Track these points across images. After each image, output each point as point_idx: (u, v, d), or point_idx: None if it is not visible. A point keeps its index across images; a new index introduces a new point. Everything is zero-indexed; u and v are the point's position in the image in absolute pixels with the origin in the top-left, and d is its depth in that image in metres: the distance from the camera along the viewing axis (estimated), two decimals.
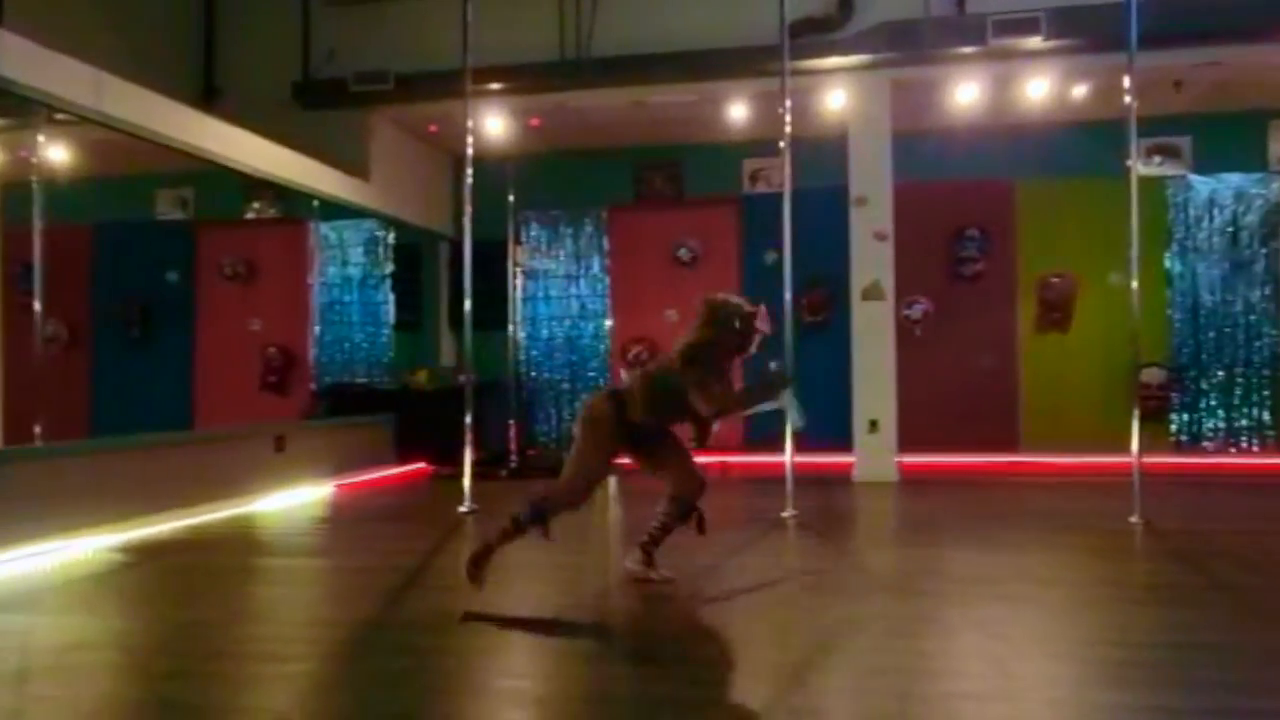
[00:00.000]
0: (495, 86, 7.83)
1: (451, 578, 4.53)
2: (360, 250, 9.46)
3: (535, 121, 8.44)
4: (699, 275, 9.46)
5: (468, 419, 6.36)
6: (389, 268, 9.38)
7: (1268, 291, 8.61)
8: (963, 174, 8.83)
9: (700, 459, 8.86)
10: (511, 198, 8.88)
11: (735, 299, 4.14)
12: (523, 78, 7.89)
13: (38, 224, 6.44)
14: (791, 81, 7.07)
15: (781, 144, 6.12)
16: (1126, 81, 5.71)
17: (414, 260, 9.70)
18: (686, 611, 3.83)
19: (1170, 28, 6.68)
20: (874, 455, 7.61)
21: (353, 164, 8.29)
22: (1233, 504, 6.64)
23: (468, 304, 6.44)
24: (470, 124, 6.42)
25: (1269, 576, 4.31)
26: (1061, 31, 6.96)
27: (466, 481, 6.28)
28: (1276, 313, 8.59)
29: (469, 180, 6.40)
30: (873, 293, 7.67)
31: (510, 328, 9.17)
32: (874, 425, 7.63)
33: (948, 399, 8.81)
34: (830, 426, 7.90)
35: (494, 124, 8.30)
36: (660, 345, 9.57)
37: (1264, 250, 8.62)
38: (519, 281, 9.67)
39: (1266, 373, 8.62)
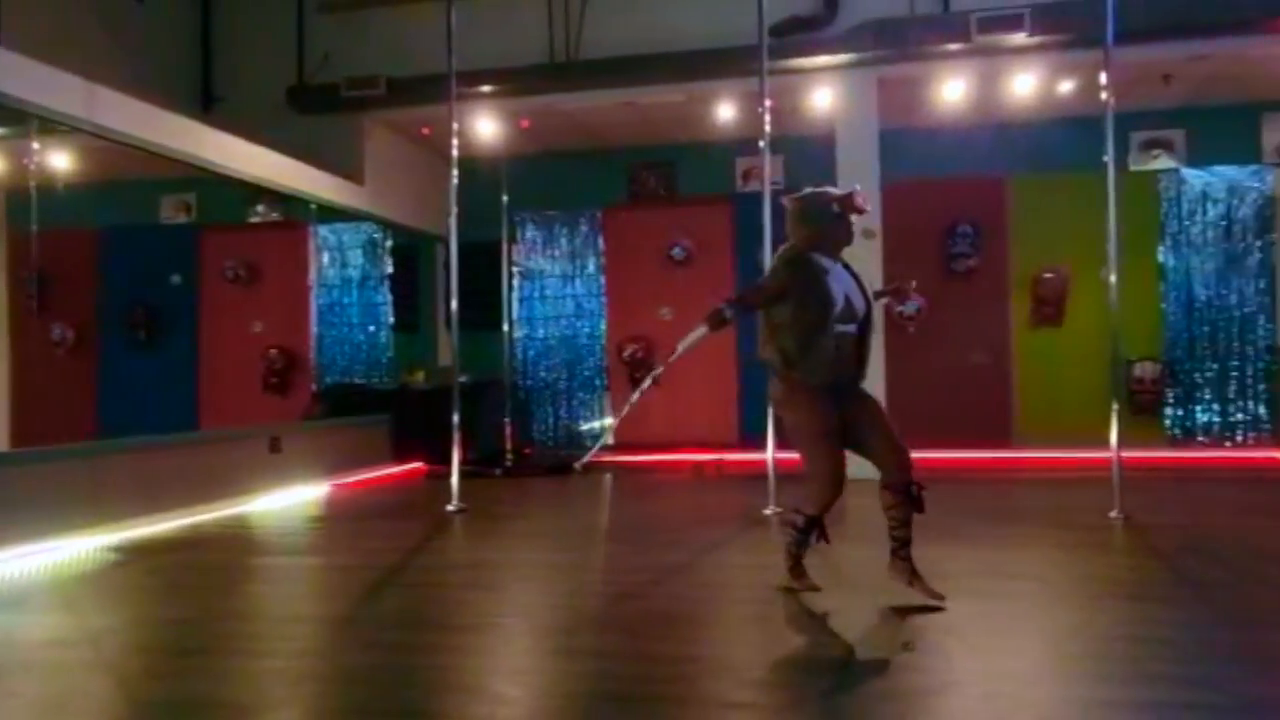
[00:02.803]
0: (485, 89, 7.92)
1: (428, 575, 4.65)
2: (359, 252, 9.58)
3: (526, 123, 8.53)
4: (693, 274, 9.53)
5: (455, 419, 6.44)
6: (387, 269, 9.50)
7: (1262, 285, 8.57)
8: (954, 170, 8.84)
9: (697, 457, 8.88)
10: (505, 199, 8.97)
11: (822, 188, 3.88)
12: (512, 80, 7.97)
13: (35, 229, 6.59)
14: (778, 80, 7.13)
15: (761, 143, 6.16)
16: (1104, 77, 5.73)
17: (411, 261, 9.82)
18: (655, 610, 3.89)
19: (1154, 22, 6.70)
20: None
21: (347, 168, 8.41)
22: (1217, 499, 6.63)
23: (454, 304, 6.55)
24: (456, 127, 6.51)
25: (1235, 571, 4.33)
26: (1045, 27, 6.96)
27: (454, 480, 6.37)
28: (1272, 306, 8.55)
29: (454, 182, 6.48)
30: None
31: (506, 327, 9.27)
32: None
33: (942, 395, 8.83)
34: None
35: (485, 126, 8.39)
36: (656, 344, 9.65)
37: (1258, 243, 8.58)
38: (515, 282, 9.78)
39: (1262, 366, 8.60)
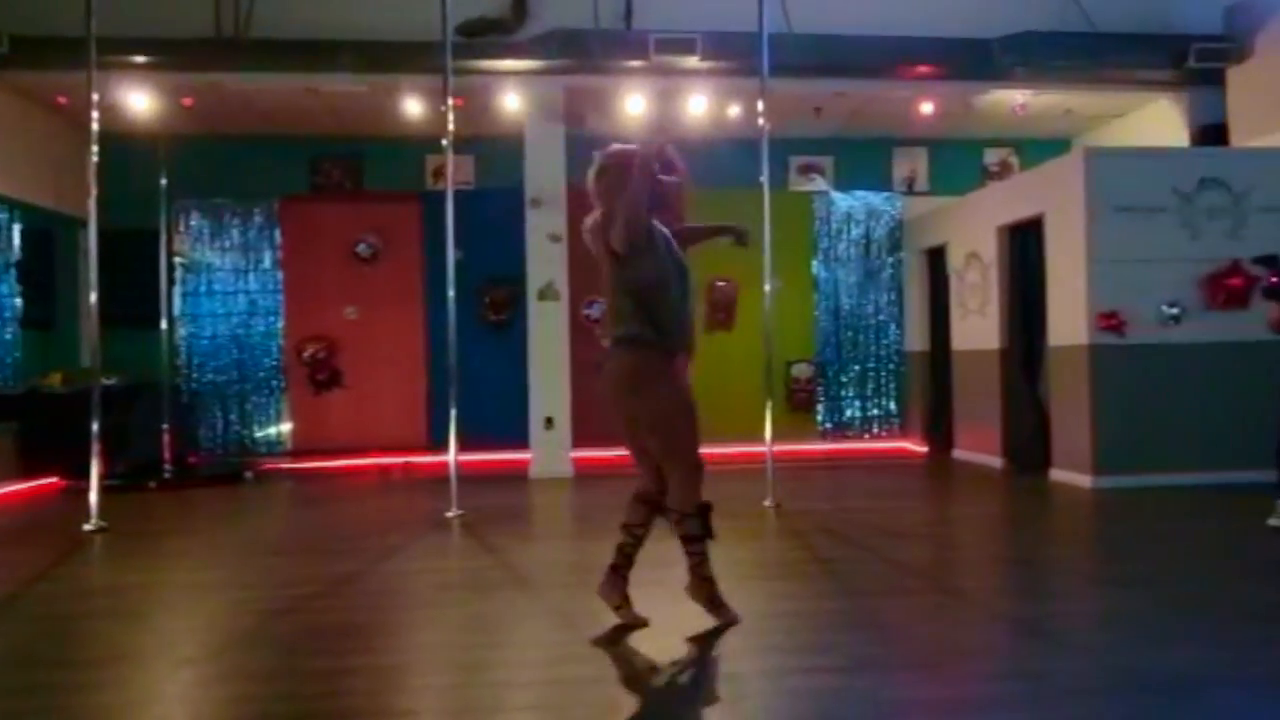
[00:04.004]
0: (138, 60, 7.12)
1: (50, 606, 4.07)
2: None
3: (188, 101, 7.76)
4: (380, 272, 9.20)
5: (95, 426, 5.71)
6: (14, 256, 8.19)
7: (893, 297, 9.85)
8: None
9: (383, 461, 8.52)
10: (165, 182, 8.09)
11: (634, 145, 3.34)
12: (169, 52, 7.22)
13: None
14: (466, 80, 7.08)
15: (445, 141, 6.07)
16: (760, 104, 6.28)
17: (46, 248, 8.55)
18: (315, 624, 3.68)
19: (805, 60, 7.44)
20: (549, 452, 7.78)
21: None
22: (854, 485, 7.53)
23: (94, 296, 5.78)
24: (97, 98, 5.78)
25: (859, 548, 4.92)
26: (715, 54, 7.50)
27: (94, 496, 5.64)
28: (900, 315, 9.85)
29: (94, 159, 5.75)
30: (548, 293, 7.85)
31: (165, 325, 8.35)
32: (550, 422, 7.81)
33: None
34: (511, 424, 8.01)
35: (139, 101, 7.53)
36: (339, 344, 9.19)
37: (890, 260, 9.86)
38: (177, 275, 8.88)
39: (893, 368, 9.87)
